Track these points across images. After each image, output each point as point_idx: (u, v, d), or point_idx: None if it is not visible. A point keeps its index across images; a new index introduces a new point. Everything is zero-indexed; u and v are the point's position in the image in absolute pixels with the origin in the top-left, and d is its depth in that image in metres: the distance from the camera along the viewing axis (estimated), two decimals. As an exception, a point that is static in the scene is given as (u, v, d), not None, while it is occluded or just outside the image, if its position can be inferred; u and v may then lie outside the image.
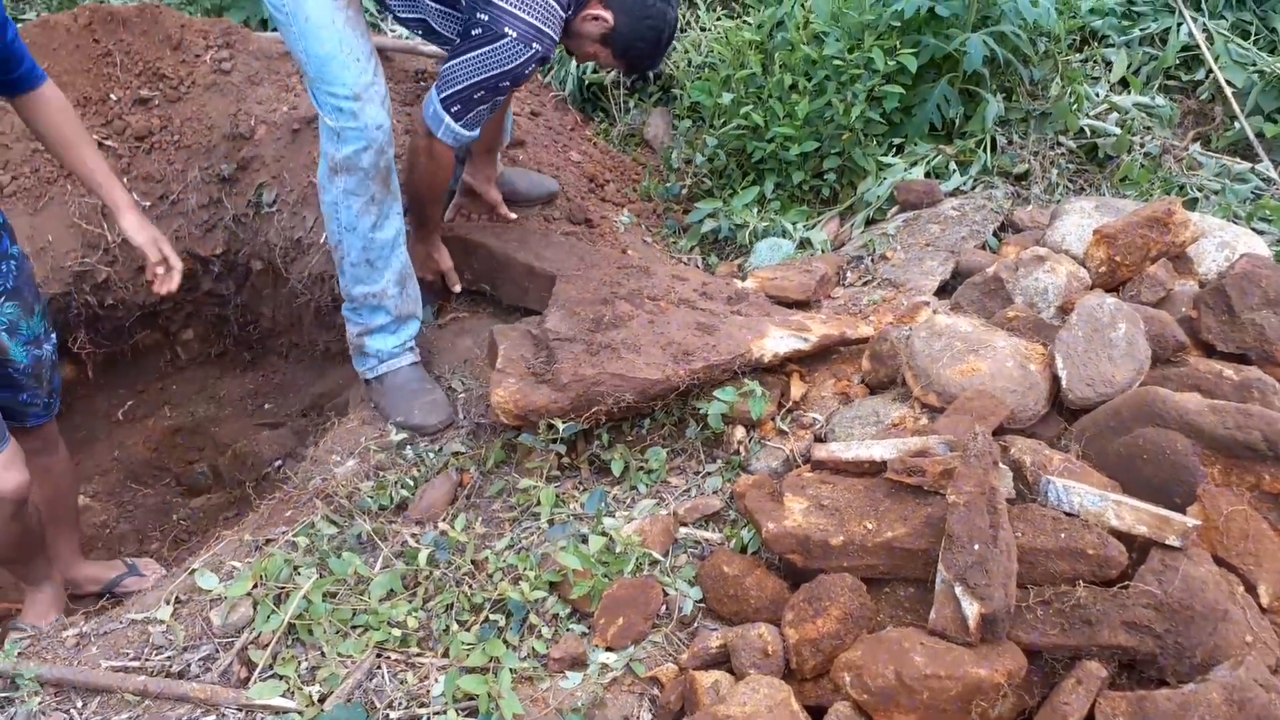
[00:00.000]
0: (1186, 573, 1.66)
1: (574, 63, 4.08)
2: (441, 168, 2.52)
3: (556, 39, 2.41)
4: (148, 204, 3.25)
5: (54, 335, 2.27)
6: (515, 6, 2.30)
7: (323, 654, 1.91)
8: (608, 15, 2.44)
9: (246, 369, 3.59)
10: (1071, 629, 1.63)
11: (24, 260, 2.14)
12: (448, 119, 2.42)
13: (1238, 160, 3.62)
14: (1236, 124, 3.74)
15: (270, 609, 1.96)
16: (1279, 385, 2.05)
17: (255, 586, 2.00)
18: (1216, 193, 3.39)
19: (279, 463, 3.11)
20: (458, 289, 2.83)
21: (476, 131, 2.49)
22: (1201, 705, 1.50)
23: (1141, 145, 3.56)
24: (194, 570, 2.07)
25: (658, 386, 2.25)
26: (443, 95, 2.40)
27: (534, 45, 2.33)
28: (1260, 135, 3.70)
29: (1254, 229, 3.17)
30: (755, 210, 3.39)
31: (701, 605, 1.98)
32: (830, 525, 1.87)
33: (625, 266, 2.77)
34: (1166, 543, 1.70)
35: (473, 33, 2.33)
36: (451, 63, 2.38)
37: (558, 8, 2.36)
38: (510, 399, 2.26)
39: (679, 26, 3.82)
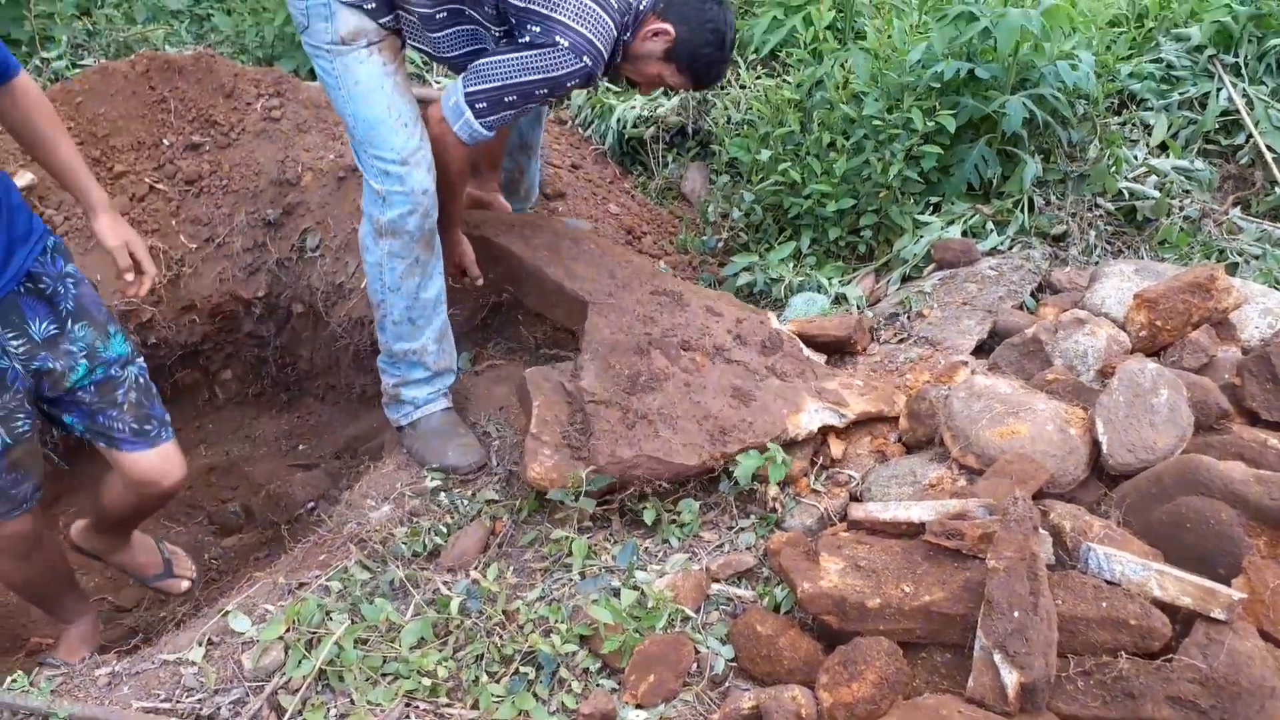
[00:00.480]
0: (1232, 647, 1.62)
1: (614, 117, 4.14)
2: (452, 161, 2.46)
3: (605, 57, 2.34)
4: (194, 246, 3.32)
5: (141, 360, 2.23)
6: (570, 18, 2.24)
7: (352, 701, 1.90)
8: (668, 27, 2.40)
9: (282, 410, 3.63)
10: (1113, 701, 1.60)
11: (83, 281, 2.11)
12: (469, 114, 2.35)
13: (1279, 225, 3.59)
14: (1277, 189, 3.71)
15: (302, 654, 1.96)
16: (1325, 456, 2.02)
17: (287, 630, 2.00)
18: (1257, 258, 3.36)
19: (312, 505, 3.13)
20: (480, 281, 2.78)
21: (493, 134, 2.43)
22: (1249, 787, 1.46)
23: (1181, 209, 3.55)
24: (227, 612, 2.08)
25: (693, 470, 2.27)
26: (469, 90, 2.33)
27: (584, 59, 2.26)
28: (1301, 200, 3.67)
29: (1296, 295, 3.14)
30: (791, 265, 3.40)
31: (733, 664, 1.96)
32: (867, 587, 1.85)
33: (658, 292, 2.73)
34: (1211, 615, 1.67)
35: (521, 40, 2.30)
36: (489, 59, 2.31)
37: (613, 27, 2.31)
38: (545, 476, 2.25)
39: (721, 82, 3.88)
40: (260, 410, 3.64)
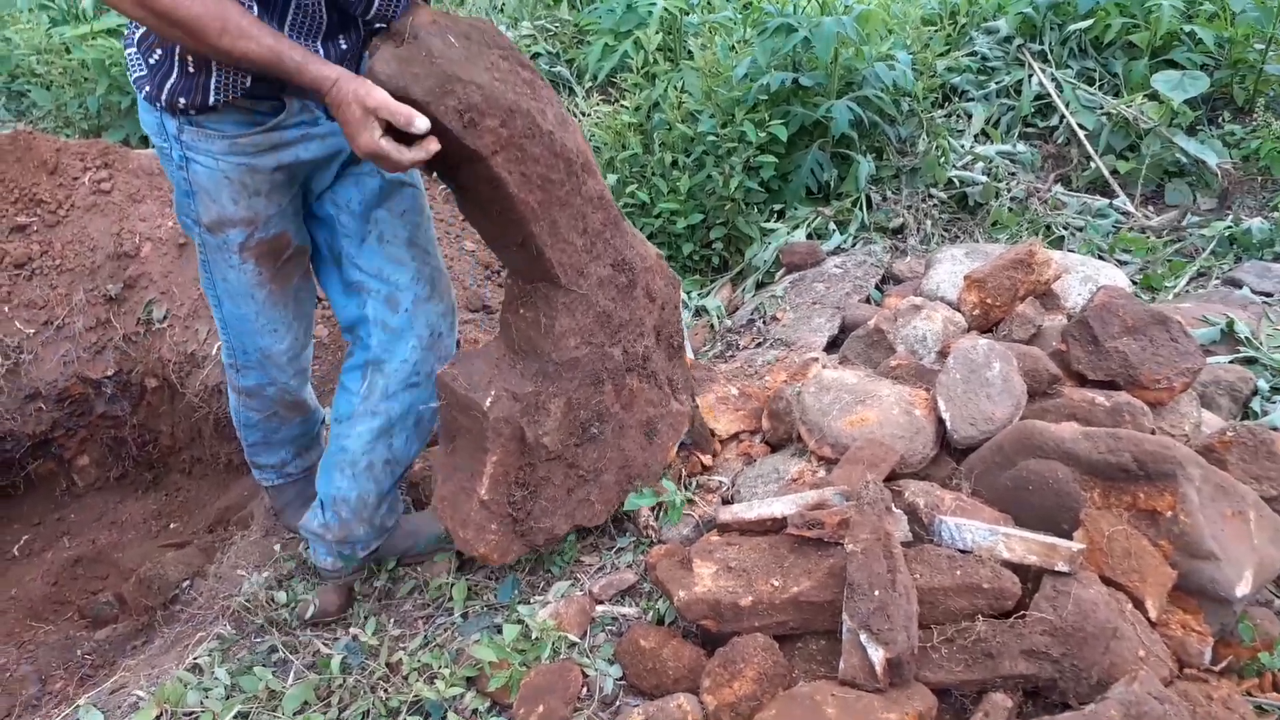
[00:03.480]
0: (1078, 596, 1.72)
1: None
2: None
3: None
4: (31, 331, 3.18)
5: None
6: None
7: (237, 778, 1.85)
8: None
9: (148, 490, 3.49)
10: (975, 664, 1.68)
11: None
12: None
13: (1097, 197, 3.85)
14: (1092, 164, 3.98)
15: (179, 739, 1.90)
16: (1146, 407, 2.17)
17: (160, 716, 1.93)
18: (1080, 229, 3.59)
19: (187, 583, 3.01)
20: (425, 126, 1.70)
21: None
22: (1102, 724, 1.55)
23: (1008, 190, 3.76)
24: (78, 707, 1.99)
25: (595, 521, 2.27)
26: None
27: None
28: (1115, 172, 3.94)
29: (1117, 260, 3.37)
30: (649, 284, 3.46)
31: (622, 683, 1.98)
32: (739, 587, 1.89)
33: (617, 266, 2.16)
34: (1056, 569, 1.77)
35: None
36: None
37: None
38: (491, 553, 2.09)
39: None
40: (124, 493, 3.50)
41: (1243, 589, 1.81)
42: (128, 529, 3.46)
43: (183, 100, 1.77)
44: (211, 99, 1.77)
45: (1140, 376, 2.24)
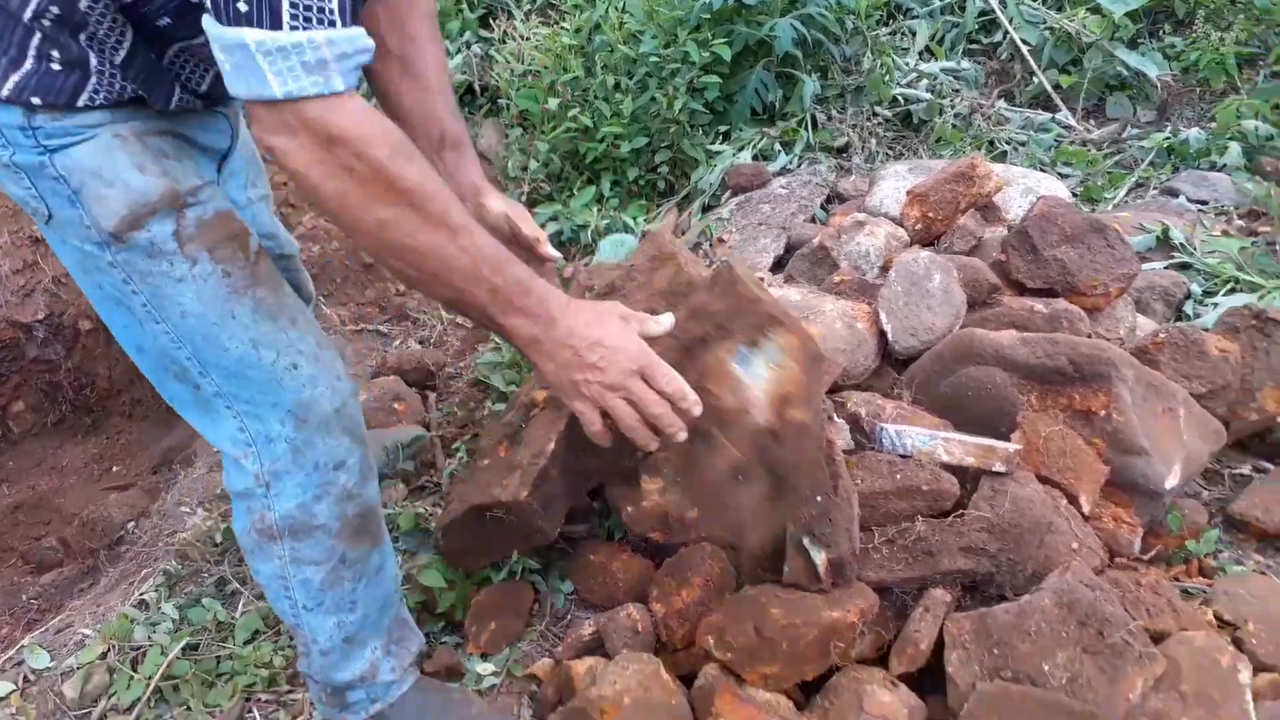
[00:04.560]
0: (1014, 494, 1.76)
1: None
2: (359, 143, 1.13)
3: None
4: (-44, 275, 3.08)
5: None
6: None
7: (188, 708, 1.84)
8: None
9: (88, 434, 3.42)
10: (915, 562, 1.71)
11: None
12: (307, 36, 1.08)
13: (1040, 112, 3.86)
14: (1035, 79, 3.98)
15: (128, 673, 1.89)
16: (1084, 313, 2.21)
17: (108, 653, 1.91)
18: (1023, 144, 3.60)
19: (132, 524, 2.98)
20: (698, 410, 1.36)
21: (357, 28, 1.14)
22: (1036, 612, 1.59)
23: (952, 107, 3.76)
24: (22, 647, 1.97)
25: None
26: (248, 8, 1.07)
27: None
28: (1057, 87, 3.95)
29: (1059, 173, 3.39)
30: (595, 210, 3.43)
31: (573, 597, 2.00)
32: (686, 500, 1.91)
33: None
34: (994, 469, 1.80)
35: None
36: None
37: None
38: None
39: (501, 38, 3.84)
40: (63, 438, 3.42)
41: (1172, 481, 1.86)
42: (68, 474, 3.40)
43: (37, 100, 1.25)
44: (82, 101, 1.28)
45: (1078, 283, 2.27)
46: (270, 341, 1.40)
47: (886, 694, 1.57)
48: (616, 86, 3.47)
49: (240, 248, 1.40)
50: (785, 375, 1.46)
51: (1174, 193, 3.23)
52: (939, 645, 1.63)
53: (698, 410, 1.34)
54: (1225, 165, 3.30)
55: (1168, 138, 3.53)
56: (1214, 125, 3.58)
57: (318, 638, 1.58)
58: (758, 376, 1.46)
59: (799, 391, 1.47)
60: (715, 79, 3.35)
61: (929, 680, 1.65)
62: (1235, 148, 3.33)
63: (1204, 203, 3.14)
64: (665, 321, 1.38)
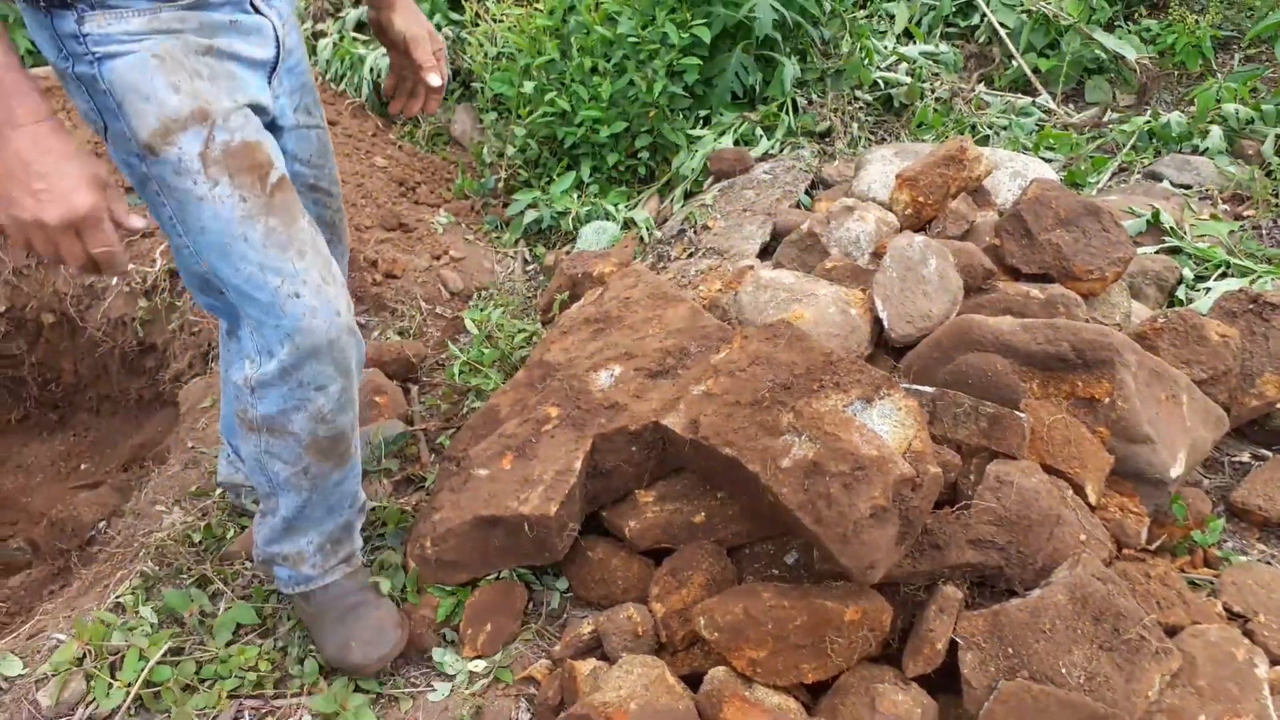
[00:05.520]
0: (1020, 485, 1.73)
1: (366, 67, 3.94)
2: None
3: None
4: (-90, 266, 2.95)
5: None
6: None
7: (170, 716, 1.77)
8: None
9: (54, 431, 3.32)
10: (923, 555, 1.67)
11: None
12: None
13: (1020, 95, 3.84)
14: (1014, 62, 3.96)
15: (107, 679, 1.80)
16: (1080, 298, 2.18)
17: (84, 658, 1.83)
18: (1005, 128, 3.58)
19: (103, 524, 2.88)
20: (125, 267, 1.61)
21: None
22: (1050, 609, 1.56)
23: (932, 91, 3.73)
24: (-9, 655, 1.88)
25: None
26: None
27: None
28: (1036, 70, 3.93)
29: (1042, 157, 3.37)
30: (575, 196, 3.36)
31: (569, 596, 1.94)
32: (685, 506, 1.86)
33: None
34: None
35: None
36: None
37: None
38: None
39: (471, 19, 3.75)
40: (28, 436, 3.31)
41: (1176, 470, 1.84)
42: (35, 472, 3.29)
43: None
44: None
45: (1073, 268, 2.25)
46: (276, 268, 1.49)
47: (899, 694, 1.53)
48: (594, 69, 3.40)
49: (259, 179, 1.48)
50: (909, 432, 1.63)
51: (1157, 177, 3.22)
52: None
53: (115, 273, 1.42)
54: (1207, 149, 3.30)
55: (1148, 121, 3.52)
56: (1193, 109, 3.58)
57: (281, 510, 1.74)
58: (882, 429, 1.63)
59: (927, 448, 1.62)
60: (695, 61, 3.29)
61: (935, 678, 1.62)
62: (1216, 131, 3.32)
63: (1187, 187, 3.13)
64: (138, 222, 1.37)
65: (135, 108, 1.39)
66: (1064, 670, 1.53)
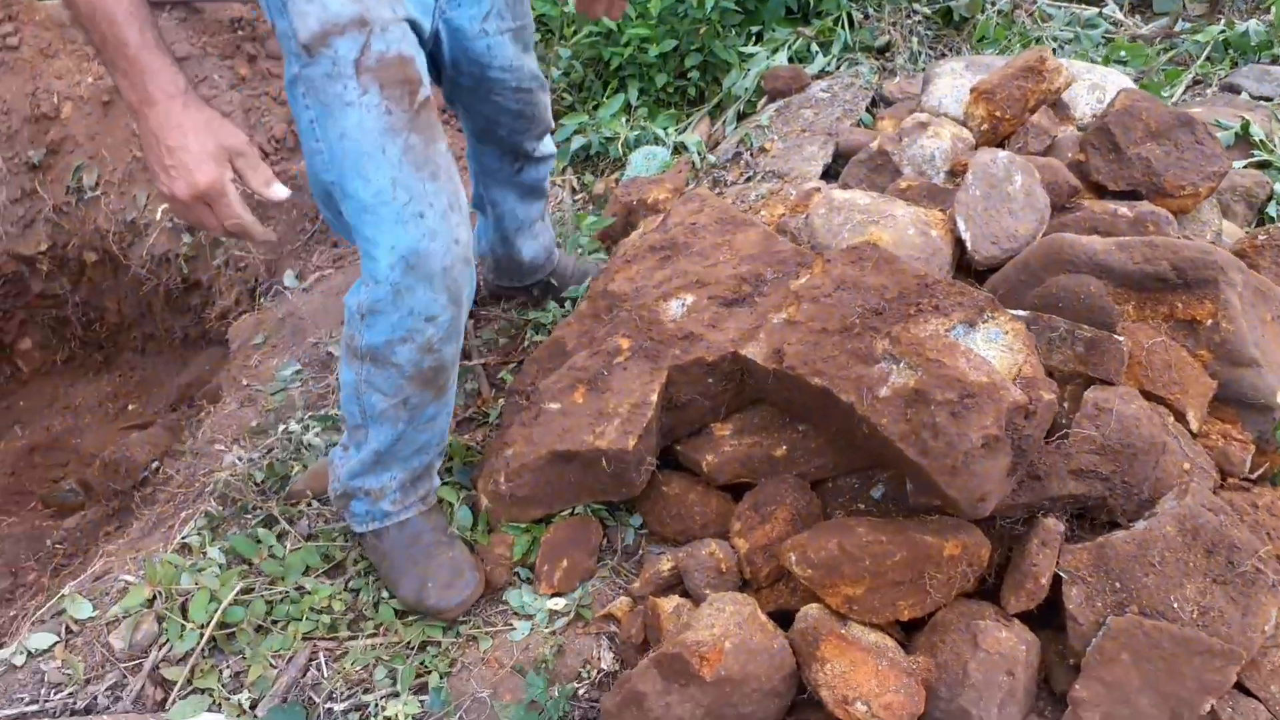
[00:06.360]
0: (1120, 412, 1.64)
1: None
2: None
3: None
4: (-51, 205, 2.89)
5: None
6: None
7: (244, 657, 1.74)
8: None
9: (100, 371, 3.29)
10: (1021, 487, 1.60)
11: None
12: None
13: (1085, 6, 3.64)
14: (1078, -29, 3.75)
15: (179, 620, 1.77)
16: (1171, 216, 2.06)
17: (154, 599, 1.80)
18: (1070, 41, 3.40)
19: (156, 464, 2.86)
20: (281, 192, 1.44)
21: None
22: (1159, 541, 1.49)
23: (994, 3, 3.54)
24: (63, 597, 1.85)
25: None
26: None
27: None
28: (1101, -21, 3.73)
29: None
30: (624, 120, 3.24)
31: (643, 532, 1.89)
32: (766, 439, 1.79)
33: None
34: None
35: None
36: None
37: None
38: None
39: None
40: (74, 376, 3.29)
41: (1285, 395, 1.75)
42: (83, 413, 3.27)
43: None
44: None
45: (1164, 183, 2.12)
46: (407, 185, 1.48)
47: (1002, 630, 1.47)
48: (641, -15, 3.25)
49: (409, 94, 1.48)
50: (1018, 357, 1.54)
51: (1235, 89, 3.05)
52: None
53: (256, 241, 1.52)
54: (1289, 58, 3.12)
55: (1223, 31, 3.33)
56: (1270, 17, 3.38)
57: (371, 443, 1.72)
58: (988, 355, 1.54)
59: (1038, 373, 1.53)
60: (749, -25, 3.14)
61: (1035, 613, 1.55)
62: (1299, 39, 3.14)
63: (1269, 99, 2.96)
64: (280, 192, 1.40)
65: (299, 8, 1.41)
66: (1175, 605, 1.46)
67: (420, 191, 1.49)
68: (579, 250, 2.71)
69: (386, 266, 1.50)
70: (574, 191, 3.15)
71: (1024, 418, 1.43)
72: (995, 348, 1.54)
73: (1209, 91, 3.10)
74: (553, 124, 2.21)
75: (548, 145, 2.22)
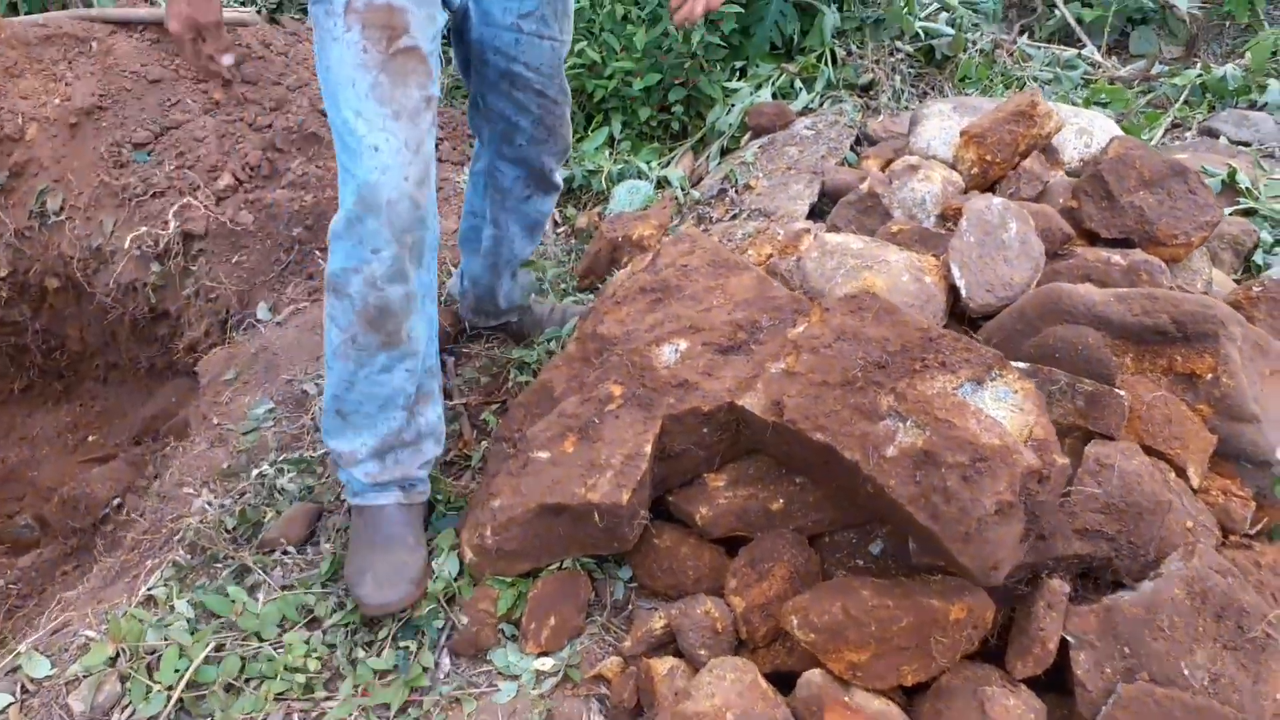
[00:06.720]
0: (1122, 468, 1.61)
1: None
2: None
3: None
4: (-96, 229, 2.78)
5: None
6: None
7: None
8: None
9: (60, 401, 3.17)
10: (1029, 547, 1.56)
11: None
12: None
13: (1064, 48, 3.67)
14: (1056, 12, 3.79)
15: (144, 681, 1.68)
16: (1164, 265, 2.05)
17: (117, 657, 1.71)
18: (1050, 81, 3.43)
19: (118, 501, 2.75)
20: (228, 60, 1.67)
21: None
22: (1167, 604, 1.46)
23: (974, 43, 3.56)
24: (18, 654, 1.75)
25: None
26: None
27: None
28: (1080, 21, 3.77)
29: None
30: (607, 153, 3.20)
31: (633, 585, 1.82)
32: (760, 491, 1.74)
33: None
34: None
35: None
36: None
37: None
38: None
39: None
40: (32, 406, 3.16)
41: (1285, 451, 1.73)
42: (40, 444, 3.15)
43: None
44: None
45: (1157, 232, 2.12)
46: (369, 118, 1.58)
47: (1010, 698, 1.42)
48: (625, 18, 3.22)
49: (387, 38, 1.60)
50: (1028, 418, 1.51)
51: (1214, 133, 3.07)
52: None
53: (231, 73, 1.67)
54: (1266, 104, 3.15)
55: (1200, 75, 3.37)
56: (1245, 61, 3.42)
57: (330, 385, 1.78)
58: (998, 415, 1.50)
59: (1050, 435, 1.50)
60: (734, 8, 3.12)
61: (1040, 676, 1.51)
62: (1275, 85, 3.18)
63: (1246, 143, 2.99)
64: (225, 60, 1.65)
65: None
66: (1186, 672, 1.43)
67: (379, 126, 1.58)
68: (561, 288, 2.66)
69: (348, 193, 1.61)
70: (556, 224, 3.10)
71: (1037, 482, 1.39)
72: (1004, 407, 1.50)
73: (1188, 135, 3.12)
74: (571, 146, 2.26)
75: (560, 176, 2.28)
